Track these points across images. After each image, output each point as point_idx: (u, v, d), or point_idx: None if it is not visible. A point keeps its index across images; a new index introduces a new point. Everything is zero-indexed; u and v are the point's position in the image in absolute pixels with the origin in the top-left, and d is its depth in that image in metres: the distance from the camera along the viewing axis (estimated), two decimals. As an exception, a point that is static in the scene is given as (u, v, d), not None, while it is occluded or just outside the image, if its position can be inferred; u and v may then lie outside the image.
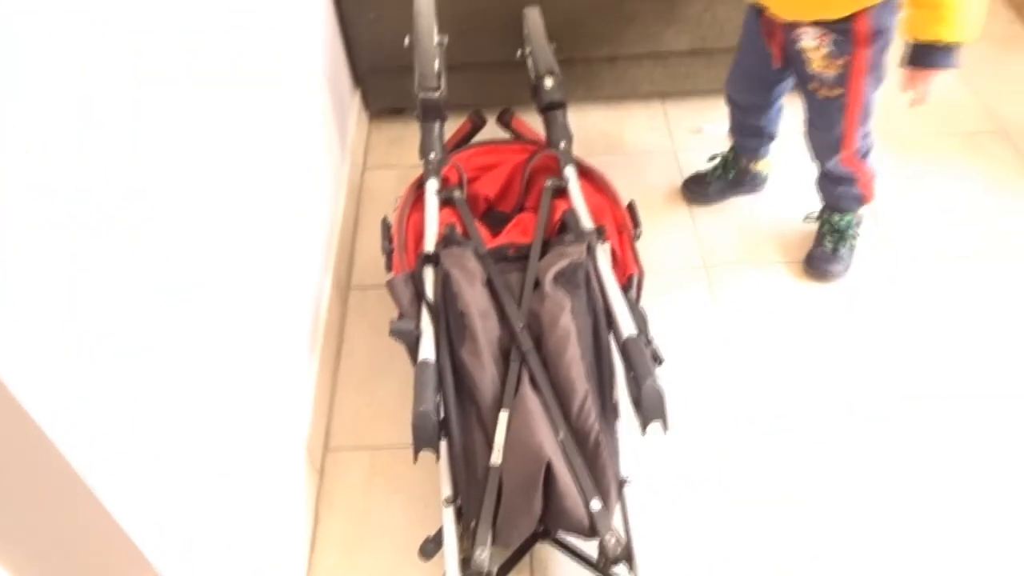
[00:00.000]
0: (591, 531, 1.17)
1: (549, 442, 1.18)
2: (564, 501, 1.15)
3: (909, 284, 1.79)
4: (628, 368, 1.27)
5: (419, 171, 1.68)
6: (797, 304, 1.77)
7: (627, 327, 1.30)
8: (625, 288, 1.41)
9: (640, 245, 1.51)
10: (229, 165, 1.14)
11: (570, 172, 1.63)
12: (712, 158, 1.98)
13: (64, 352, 0.70)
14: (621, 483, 1.22)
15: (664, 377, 1.23)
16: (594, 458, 1.19)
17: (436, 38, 1.69)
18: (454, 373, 1.30)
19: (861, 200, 1.76)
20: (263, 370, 1.24)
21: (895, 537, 1.40)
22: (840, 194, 1.76)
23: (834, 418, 1.57)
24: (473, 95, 2.08)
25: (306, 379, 1.49)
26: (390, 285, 1.42)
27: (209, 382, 1.02)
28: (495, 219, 1.70)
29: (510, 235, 1.57)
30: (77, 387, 0.72)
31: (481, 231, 1.57)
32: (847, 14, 1.42)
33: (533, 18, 1.79)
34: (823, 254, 1.80)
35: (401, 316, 1.39)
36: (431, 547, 1.22)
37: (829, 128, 1.62)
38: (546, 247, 1.48)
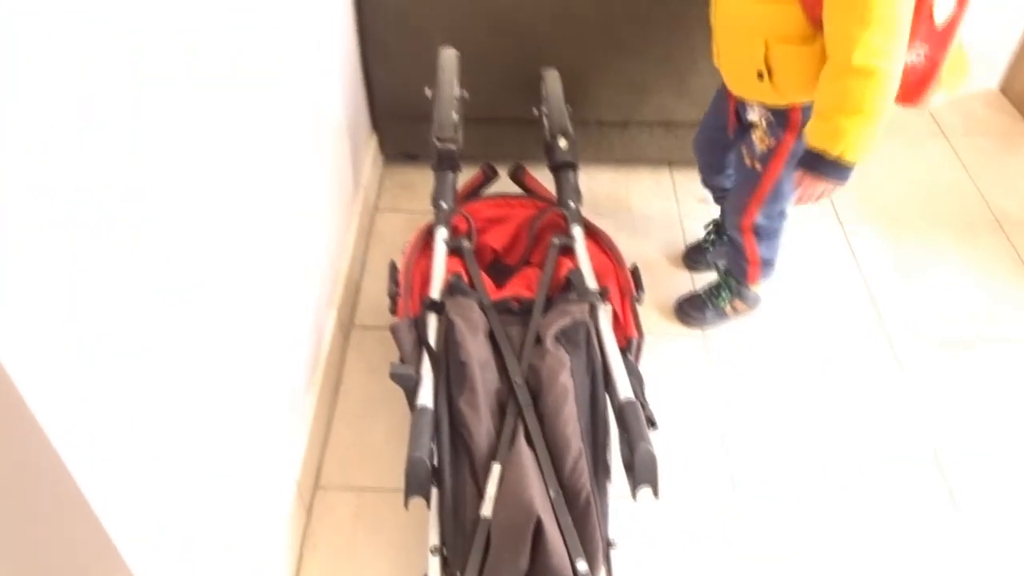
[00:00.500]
0: (575, 591, 1.16)
1: (540, 498, 1.18)
2: (551, 559, 1.15)
3: (904, 363, 1.82)
4: (622, 430, 1.27)
5: (428, 217, 1.71)
6: (795, 371, 1.79)
7: (624, 390, 1.31)
8: (624, 350, 1.43)
9: (641, 309, 1.54)
10: (243, 197, 1.16)
11: (577, 231, 1.66)
12: (707, 225, 2.04)
13: (62, 372, 0.71)
14: (609, 545, 1.22)
15: (658, 440, 1.25)
16: (584, 518, 1.20)
17: (456, 91, 1.73)
18: (450, 422, 1.31)
19: (744, 276, 1.82)
20: (261, 401, 1.25)
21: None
22: (732, 259, 1.85)
23: (835, 482, 1.58)
24: (487, 148, 2.13)
25: (302, 414, 1.49)
26: (393, 329, 1.43)
27: (207, 410, 1.03)
28: (500, 271, 1.72)
29: (514, 288, 1.59)
30: (76, 404, 0.73)
31: (486, 282, 1.59)
32: (785, 104, 1.48)
33: (552, 79, 1.84)
34: (693, 296, 1.91)
35: (402, 360, 1.41)
36: (414, 595, 1.21)
37: (739, 194, 1.70)
38: (549, 303, 1.50)
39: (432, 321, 1.44)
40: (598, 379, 1.35)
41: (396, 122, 2.18)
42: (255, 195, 1.20)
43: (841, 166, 1.38)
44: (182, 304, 0.93)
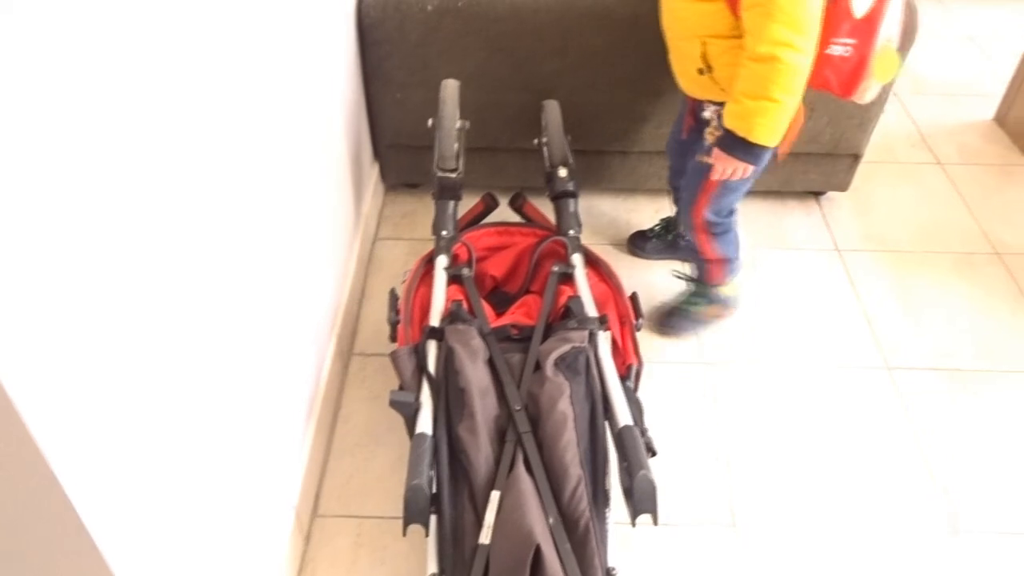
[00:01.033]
0: (574, 620, 1.16)
1: (540, 525, 1.18)
2: (550, 587, 1.15)
3: (903, 393, 1.82)
4: (622, 458, 1.28)
5: (429, 246, 1.73)
6: (794, 401, 1.79)
7: (624, 416, 1.32)
8: (624, 377, 1.43)
9: (640, 336, 1.55)
10: (246, 223, 1.17)
11: (577, 259, 1.67)
12: (661, 220, 2.15)
13: (62, 394, 0.72)
14: (608, 573, 1.21)
15: (657, 467, 1.25)
16: (583, 545, 1.20)
17: (458, 122, 1.76)
18: (450, 449, 1.31)
19: (707, 277, 1.87)
20: (260, 427, 1.26)
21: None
22: (694, 260, 1.90)
23: (834, 510, 1.57)
24: (488, 177, 2.15)
25: (302, 440, 1.50)
26: (394, 356, 1.44)
27: (205, 434, 1.03)
28: (500, 299, 1.73)
29: (514, 316, 1.60)
30: (76, 430, 0.74)
31: (486, 310, 1.60)
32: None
33: (552, 110, 1.87)
34: (666, 307, 1.96)
35: (402, 387, 1.41)
36: (412, 624, 1.21)
37: (690, 190, 1.75)
38: (548, 331, 1.51)
39: (432, 348, 1.45)
40: (597, 406, 1.36)
41: (398, 152, 2.21)
42: (258, 221, 1.21)
43: (750, 146, 1.49)
44: (184, 330, 0.94)
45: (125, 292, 0.79)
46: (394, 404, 1.37)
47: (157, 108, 0.86)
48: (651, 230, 2.17)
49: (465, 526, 1.23)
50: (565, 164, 1.79)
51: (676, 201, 2.04)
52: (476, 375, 1.38)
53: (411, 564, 1.45)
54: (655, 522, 1.22)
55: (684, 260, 1.98)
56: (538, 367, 1.41)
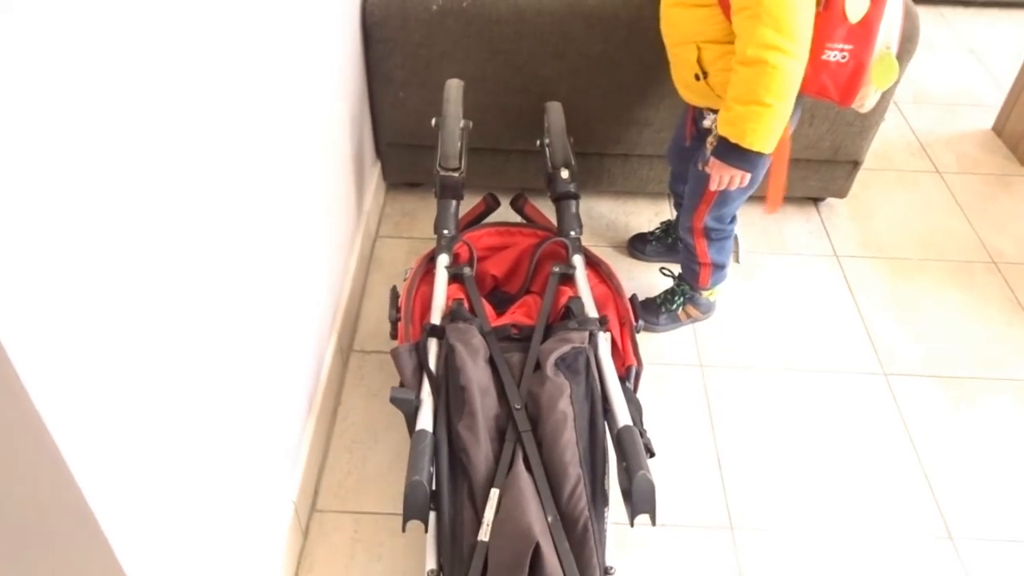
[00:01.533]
0: (572, 618, 1.16)
1: (539, 524, 1.19)
2: (548, 585, 1.16)
3: (899, 399, 1.83)
4: (621, 458, 1.28)
5: (429, 245, 1.73)
6: (791, 404, 1.80)
7: (623, 417, 1.32)
8: (623, 378, 1.44)
9: (640, 339, 1.55)
10: (248, 220, 1.17)
11: (578, 260, 1.68)
12: (661, 223, 2.18)
13: (73, 389, 0.72)
14: (607, 572, 1.22)
15: (655, 468, 1.25)
16: (581, 544, 1.20)
17: (461, 122, 1.76)
18: (449, 446, 1.32)
19: (697, 280, 1.90)
20: (260, 422, 1.26)
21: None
22: (684, 262, 1.93)
23: (830, 511, 1.58)
24: (488, 178, 2.16)
25: (301, 436, 1.50)
26: (394, 353, 1.44)
27: (207, 428, 1.04)
28: (500, 299, 1.74)
29: (514, 316, 1.61)
30: (86, 425, 0.74)
31: (486, 309, 1.61)
32: None
33: (555, 112, 1.87)
34: (650, 302, 1.98)
35: (402, 385, 1.42)
36: (409, 620, 1.21)
37: (691, 197, 1.77)
38: (548, 331, 1.52)
39: (433, 346, 1.45)
40: (597, 406, 1.36)
41: (399, 150, 2.21)
42: (261, 218, 1.21)
43: (743, 152, 1.49)
44: (187, 326, 0.95)
45: (130, 288, 0.80)
46: (395, 401, 1.37)
47: (162, 105, 0.86)
48: (651, 233, 2.18)
49: (464, 523, 1.24)
50: (567, 165, 1.79)
51: (676, 206, 2.05)
52: (477, 373, 1.38)
53: (408, 561, 1.45)
54: (653, 522, 1.22)
55: (679, 262, 1.99)
56: (538, 366, 1.42)
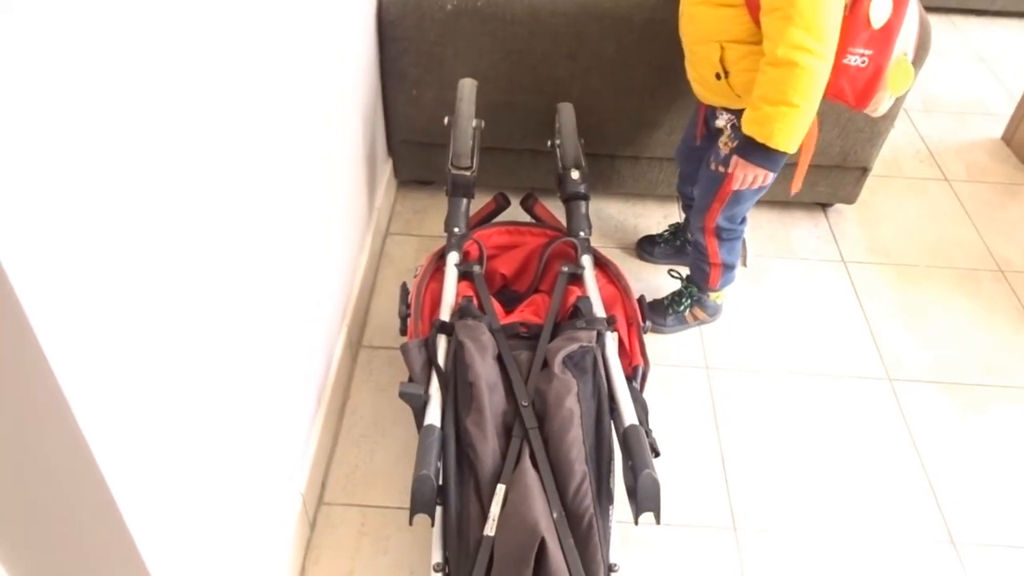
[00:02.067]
0: (576, 613, 1.18)
1: (544, 519, 1.20)
2: (552, 580, 1.17)
3: (904, 404, 1.84)
4: (626, 456, 1.29)
5: (439, 242, 1.75)
6: (797, 407, 1.81)
7: (629, 416, 1.34)
8: (630, 378, 1.45)
9: (647, 339, 1.57)
10: (262, 216, 1.19)
11: (587, 260, 1.69)
12: (670, 226, 2.19)
13: (101, 383, 0.74)
14: (611, 569, 1.23)
15: (660, 467, 1.27)
16: (586, 540, 1.21)
17: (474, 121, 1.78)
18: (457, 441, 1.33)
19: (706, 280, 1.90)
20: (270, 414, 1.28)
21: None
22: (694, 263, 1.93)
23: (834, 514, 1.59)
24: (498, 177, 2.18)
25: (310, 430, 1.51)
26: (404, 349, 1.46)
27: (218, 418, 1.05)
28: (508, 297, 1.75)
29: (523, 314, 1.62)
30: (110, 411, 0.76)
31: (495, 307, 1.62)
32: (744, 106, 1.57)
33: (566, 113, 1.89)
34: (657, 303, 2.00)
35: (411, 380, 1.43)
36: (415, 612, 1.22)
37: (704, 197, 1.78)
38: (556, 330, 1.53)
39: (442, 342, 1.47)
40: (603, 405, 1.38)
41: (411, 148, 2.23)
42: (273, 215, 1.23)
43: (769, 152, 1.50)
44: (201, 321, 0.96)
45: (150, 284, 0.81)
46: (403, 396, 1.39)
47: (186, 102, 0.88)
48: (660, 235, 2.19)
49: (470, 518, 1.25)
50: (578, 166, 1.81)
51: (684, 208, 2.06)
52: (485, 370, 1.40)
53: (413, 554, 1.46)
54: (658, 521, 1.23)
55: (688, 264, 2.00)
56: (546, 364, 1.43)
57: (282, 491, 1.36)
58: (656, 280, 2.11)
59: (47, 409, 0.68)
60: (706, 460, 1.70)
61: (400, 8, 1.92)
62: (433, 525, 1.28)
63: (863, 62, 1.47)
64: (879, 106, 1.55)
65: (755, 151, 1.52)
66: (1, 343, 0.63)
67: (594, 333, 1.47)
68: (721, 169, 1.68)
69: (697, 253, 1.89)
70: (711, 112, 1.70)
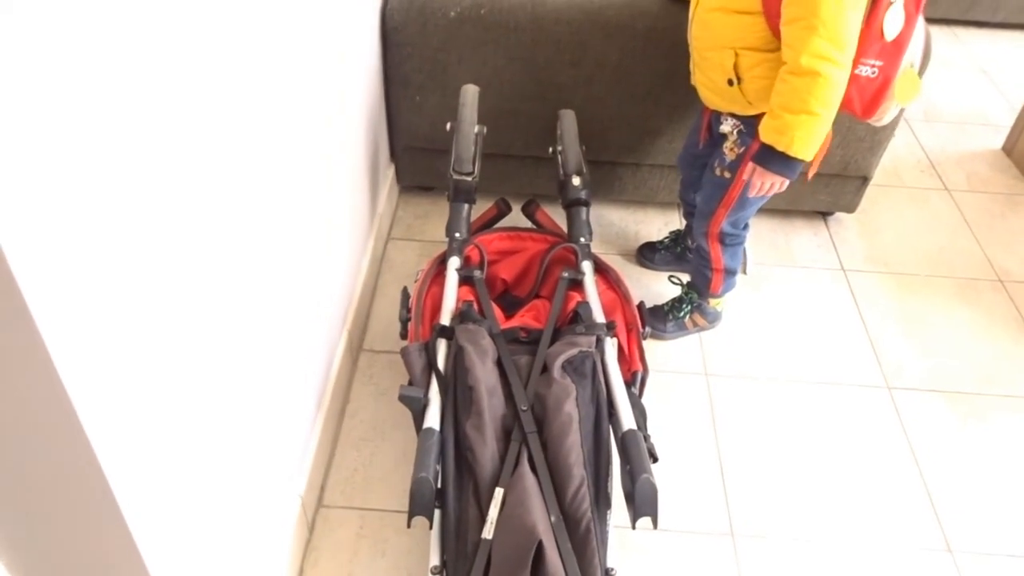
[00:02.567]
0: (573, 618, 1.18)
1: (542, 523, 1.20)
2: (550, 583, 1.17)
3: (902, 412, 1.84)
4: (624, 461, 1.30)
5: (440, 248, 1.76)
6: (795, 414, 1.81)
7: (628, 421, 1.34)
8: (629, 383, 1.46)
9: (646, 345, 1.57)
10: (265, 219, 1.20)
11: (587, 267, 1.70)
12: (671, 232, 2.20)
13: (103, 382, 0.75)
14: (607, 573, 1.24)
15: (658, 472, 1.27)
16: (584, 544, 1.22)
17: (476, 127, 1.79)
18: (456, 445, 1.33)
19: (708, 286, 1.91)
20: (271, 416, 1.28)
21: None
22: (696, 268, 1.93)
23: (831, 521, 1.59)
24: (499, 183, 2.19)
25: (310, 432, 1.52)
26: (404, 352, 1.47)
27: (219, 420, 1.06)
28: (509, 302, 1.76)
29: (523, 319, 1.63)
30: (112, 411, 0.76)
31: (496, 311, 1.63)
32: (754, 113, 1.59)
33: (568, 119, 1.90)
34: (657, 309, 2.00)
35: (411, 383, 1.44)
36: (412, 615, 1.23)
37: (708, 202, 1.78)
38: (556, 335, 1.54)
39: (442, 346, 1.48)
40: (602, 410, 1.38)
41: (413, 154, 2.24)
42: (276, 219, 1.24)
43: (788, 160, 1.51)
44: (203, 323, 0.97)
45: (152, 286, 0.82)
46: (403, 399, 1.39)
47: (188, 105, 0.88)
48: (660, 242, 2.20)
49: (468, 521, 1.25)
50: (579, 173, 1.82)
51: (686, 215, 2.07)
52: (485, 374, 1.40)
53: (411, 557, 1.47)
54: (655, 526, 1.24)
55: (688, 272, 2.01)
56: (545, 369, 1.44)
57: (281, 493, 1.36)
58: (656, 286, 2.11)
59: (50, 409, 0.69)
60: (704, 466, 1.70)
61: (404, 15, 1.94)
62: (431, 528, 1.28)
63: (873, 73, 1.48)
64: (884, 116, 1.56)
65: (774, 159, 1.53)
66: (4, 342, 0.64)
67: (594, 338, 1.48)
68: (727, 175, 1.69)
69: (700, 259, 1.90)
70: (715, 117, 1.71)
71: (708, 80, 1.65)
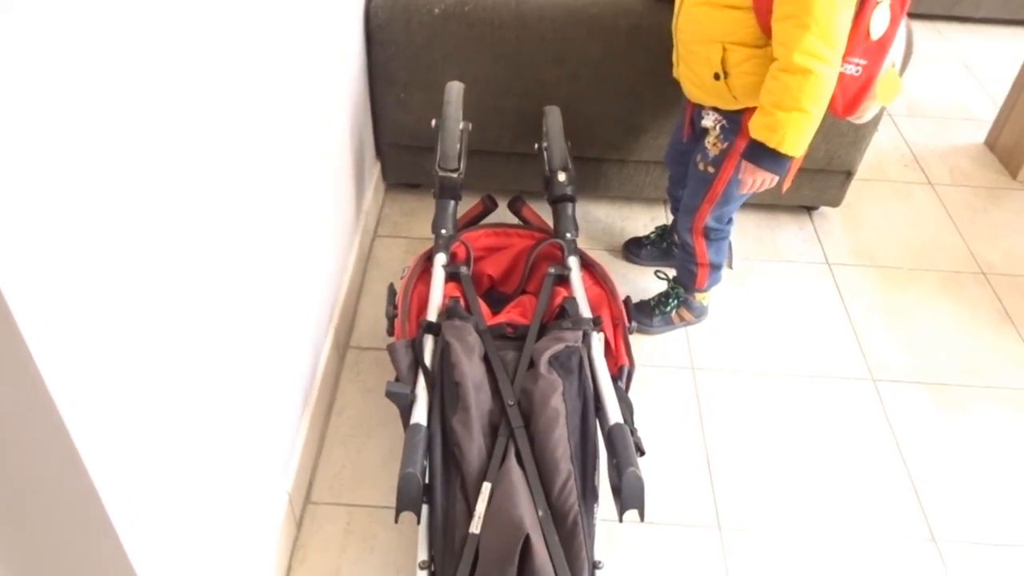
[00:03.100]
0: (560, 611, 1.18)
1: (529, 517, 1.21)
2: (537, 577, 1.18)
3: (887, 404, 1.86)
4: (611, 455, 1.30)
5: (427, 245, 1.76)
6: (781, 407, 1.83)
7: (614, 415, 1.35)
8: (616, 378, 1.46)
9: (633, 340, 1.58)
10: (249, 217, 1.20)
11: (573, 262, 1.70)
12: (656, 228, 2.21)
13: (87, 382, 0.75)
14: (594, 566, 1.24)
15: (645, 466, 1.28)
16: (571, 538, 1.22)
17: (461, 124, 1.79)
18: (443, 440, 1.34)
19: (694, 281, 1.93)
20: (257, 413, 1.28)
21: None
22: (682, 263, 1.95)
23: (817, 512, 1.61)
24: (485, 180, 2.19)
25: (297, 429, 1.52)
26: (391, 349, 1.47)
27: (206, 417, 1.06)
28: (495, 299, 1.76)
29: (510, 315, 1.63)
30: (96, 410, 0.76)
31: (482, 308, 1.63)
32: (738, 108, 1.60)
33: (554, 116, 1.90)
34: (644, 304, 2.01)
35: (398, 380, 1.44)
36: (400, 610, 1.23)
37: (693, 197, 1.80)
38: (543, 330, 1.54)
39: (429, 342, 1.48)
40: (589, 404, 1.39)
41: (399, 151, 2.24)
42: (260, 216, 1.23)
43: (778, 157, 1.53)
44: (188, 321, 0.97)
45: (135, 284, 0.82)
46: (390, 395, 1.39)
47: (168, 104, 0.88)
48: (646, 237, 2.21)
49: (456, 516, 1.26)
50: (565, 169, 1.82)
51: (674, 211, 2.07)
52: (471, 370, 1.40)
53: (399, 553, 1.47)
54: (642, 518, 1.25)
55: (674, 267, 2.02)
56: (532, 364, 1.44)
57: (269, 490, 1.36)
58: (643, 282, 2.12)
59: (33, 408, 0.69)
60: (691, 459, 1.71)
61: (388, 12, 1.93)
62: (419, 523, 1.29)
63: (857, 71, 1.50)
64: (864, 114, 1.58)
65: (764, 156, 1.54)
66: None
67: (580, 333, 1.48)
68: (711, 169, 1.70)
69: (685, 254, 1.91)
70: (698, 112, 1.71)
71: (693, 74, 1.65)
